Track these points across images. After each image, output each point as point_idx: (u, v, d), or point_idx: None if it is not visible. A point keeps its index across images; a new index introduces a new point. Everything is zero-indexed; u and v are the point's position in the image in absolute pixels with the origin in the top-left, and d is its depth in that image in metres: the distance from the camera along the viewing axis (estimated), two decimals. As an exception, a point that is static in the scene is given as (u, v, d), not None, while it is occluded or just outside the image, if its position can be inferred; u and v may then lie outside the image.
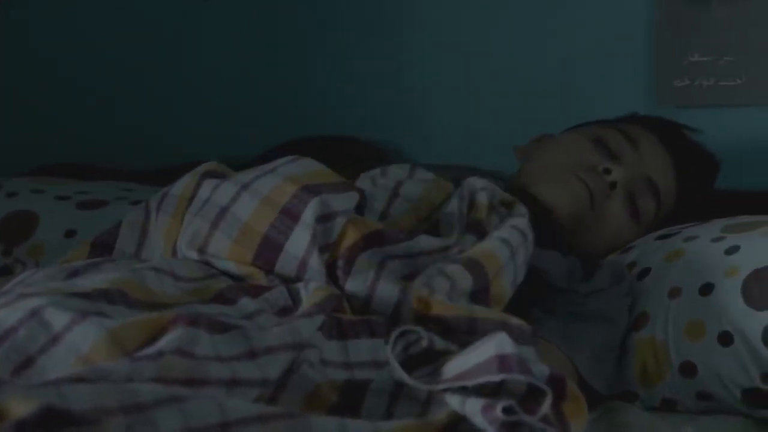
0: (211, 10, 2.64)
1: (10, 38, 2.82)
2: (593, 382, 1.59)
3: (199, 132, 2.64)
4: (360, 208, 1.45)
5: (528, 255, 1.47)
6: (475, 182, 1.59)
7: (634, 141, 1.82)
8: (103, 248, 1.50)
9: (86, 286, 1.15)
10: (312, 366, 1.09)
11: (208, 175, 1.50)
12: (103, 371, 0.93)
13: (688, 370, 1.61)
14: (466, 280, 1.32)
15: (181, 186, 1.50)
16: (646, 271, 1.72)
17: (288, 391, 1.05)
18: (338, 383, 1.09)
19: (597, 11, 2.29)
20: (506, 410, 0.98)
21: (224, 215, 1.38)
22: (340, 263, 1.31)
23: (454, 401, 1.03)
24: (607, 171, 1.77)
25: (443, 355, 1.13)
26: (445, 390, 1.05)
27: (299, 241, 1.32)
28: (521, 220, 1.51)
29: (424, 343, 1.12)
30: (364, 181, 1.66)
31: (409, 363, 1.11)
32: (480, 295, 1.34)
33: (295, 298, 1.26)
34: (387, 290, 1.30)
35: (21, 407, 0.76)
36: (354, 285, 1.31)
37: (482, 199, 1.55)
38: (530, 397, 1.03)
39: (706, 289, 1.63)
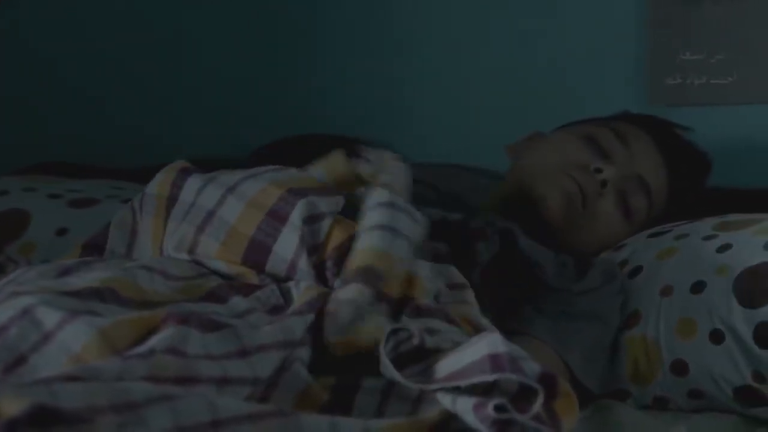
0: (208, 11, 2.64)
1: (7, 37, 2.81)
2: (585, 380, 1.59)
3: (195, 131, 2.64)
4: (345, 212, 1.45)
5: (409, 215, 1.33)
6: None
7: (626, 139, 1.83)
8: (93, 250, 1.49)
9: (77, 284, 1.15)
10: (304, 364, 1.09)
11: (183, 172, 1.48)
12: (95, 370, 0.93)
13: (679, 368, 1.61)
14: (364, 295, 1.20)
15: (155, 184, 1.48)
16: (638, 270, 1.72)
17: (279, 389, 1.04)
18: (329, 382, 1.09)
19: (589, 10, 2.29)
20: (498, 408, 0.98)
21: (211, 219, 1.37)
22: (329, 264, 1.30)
23: (445, 400, 1.03)
24: (599, 170, 1.77)
25: (434, 354, 1.13)
26: (437, 389, 1.05)
27: (287, 243, 1.32)
28: (378, 192, 1.35)
29: (415, 341, 1.12)
30: None
31: (400, 361, 1.11)
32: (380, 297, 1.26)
33: (287, 297, 1.26)
34: None
35: (12, 406, 0.76)
36: None
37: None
38: (522, 395, 1.03)
39: (698, 287, 1.63)
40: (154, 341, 1.00)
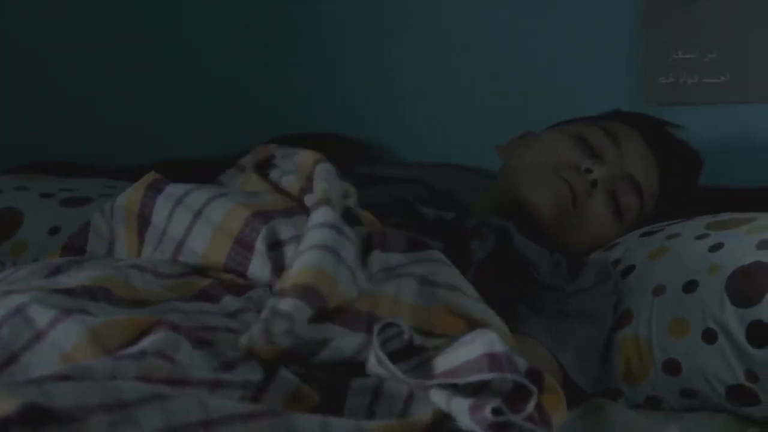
0: (204, 11, 2.64)
1: (2, 37, 2.81)
2: (578, 379, 1.59)
3: (189, 130, 2.64)
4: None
5: (353, 243, 1.30)
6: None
7: (616, 138, 1.83)
8: (73, 251, 1.48)
9: (69, 283, 1.15)
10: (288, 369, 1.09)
11: (153, 188, 1.44)
12: (87, 369, 0.93)
13: (672, 367, 1.61)
14: (303, 311, 1.15)
15: (125, 198, 1.45)
16: (630, 269, 1.72)
17: (270, 392, 1.04)
18: (320, 383, 1.09)
19: (582, 9, 2.29)
20: (494, 411, 0.98)
21: (181, 249, 1.37)
22: None
23: (439, 398, 1.03)
24: (589, 170, 1.77)
25: (424, 351, 1.12)
26: (431, 386, 1.05)
27: (260, 269, 1.31)
28: (323, 211, 1.30)
29: (406, 336, 1.12)
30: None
31: (390, 358, 1.10)
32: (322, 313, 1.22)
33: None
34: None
35: (4, 405, 0.76)
36: None
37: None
38: (515, 393, 1.03)
39: (690, 286, 1.63)
40: (145, 343, 1.00)
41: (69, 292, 1.11)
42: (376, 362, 1.06)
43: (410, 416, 1.05)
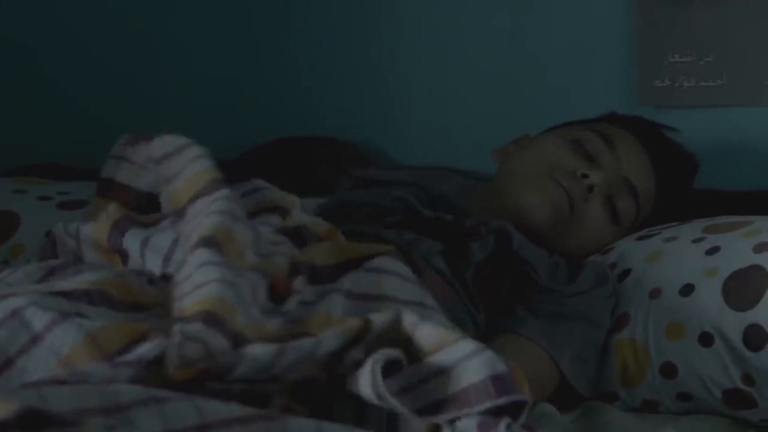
0: (194, 13, 2.64)
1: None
2: (575, 382, 1.60)
3: (182, 133, 2.63)
4: None
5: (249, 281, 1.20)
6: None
7: (612, 142, 1.82)
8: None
9: (67, 285, 1.15)
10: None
11: (117, 227, 1.36)
12: (84, 374, 0.93)
13: (668, 370, 1.61)
14: (217, 339, 1.06)
15: (92, 230, 1.38)
16: (626, 272, 1.72)
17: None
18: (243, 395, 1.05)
19: (577, 11, 2.29)
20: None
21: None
22: None
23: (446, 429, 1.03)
24: (585, 175, 1.77)
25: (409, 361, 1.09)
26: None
27: None
28: (201, 254, 1.17)
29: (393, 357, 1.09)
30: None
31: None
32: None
33: None
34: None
35: (1, 409, 0.76)
36: None
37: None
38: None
39: (687, 289, 1.63)
40: (143, 350, 1.00)
41: (67, 294, 1.11)
42: (375, 397, 1.02)
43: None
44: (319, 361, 1.05)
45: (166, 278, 1.28)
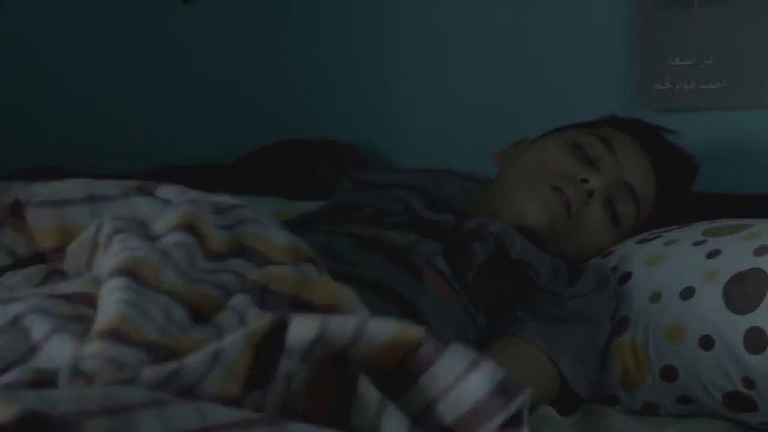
0: (194, 14, 2.64)
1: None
2: (575, 384, 1.60)
3: (182, 135, 2.64)
4: None
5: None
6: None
7: (612, 145, 1.82)
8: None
9: (68, 288, 1.14)
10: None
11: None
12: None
13: (669, 374, 1.61)
14: (131, 355, 1.02)
15: (75, 244, 1.30)
16: (627, 276, 1.72)
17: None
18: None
19: (577, 11, 2.29)
20: None
21: None
22: None
23: None
24: (585, 180, 1.76)
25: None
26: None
27: None
28: (115, 283, 1.11)
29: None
30: None
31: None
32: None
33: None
34: None
35: (2, 412, 0.76)
36: None
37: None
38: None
39: (687, 292, 1.63)
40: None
41: (68, 297, 1.11)
42: None
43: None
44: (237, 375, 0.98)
45: None
